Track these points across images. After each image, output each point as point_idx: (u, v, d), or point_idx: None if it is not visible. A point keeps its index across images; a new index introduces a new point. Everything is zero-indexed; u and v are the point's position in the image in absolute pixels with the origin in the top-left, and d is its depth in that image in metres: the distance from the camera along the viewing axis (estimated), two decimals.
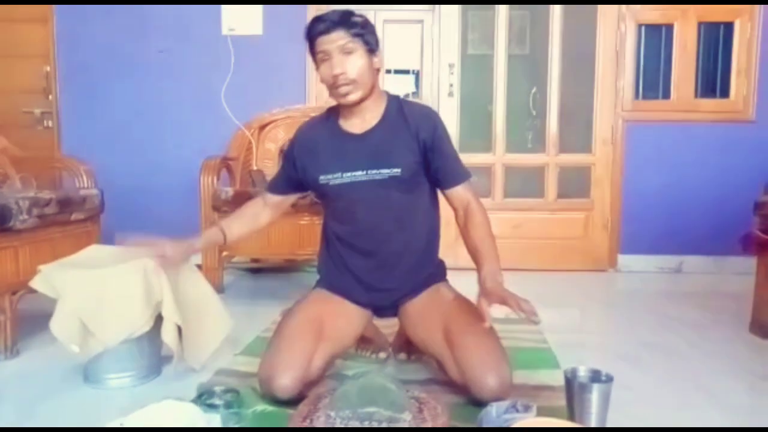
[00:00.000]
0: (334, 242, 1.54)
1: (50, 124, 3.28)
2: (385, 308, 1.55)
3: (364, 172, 1.42)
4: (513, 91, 3.26)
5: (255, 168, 2.88)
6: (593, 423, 1.15)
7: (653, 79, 3.19)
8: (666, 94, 3.17)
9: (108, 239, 2.10)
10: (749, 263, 2.05)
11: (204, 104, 3.14)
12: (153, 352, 1.57)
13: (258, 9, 3.10)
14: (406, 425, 1.11)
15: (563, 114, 3.23)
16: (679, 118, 3.13)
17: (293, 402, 1.28)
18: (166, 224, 3.05)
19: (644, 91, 3.20)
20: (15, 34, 3.29)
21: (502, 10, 3.18)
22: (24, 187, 2.13)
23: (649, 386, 1.54)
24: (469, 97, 3.26)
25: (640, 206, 3.18)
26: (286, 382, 1.30)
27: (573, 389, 1.17)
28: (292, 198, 1.64)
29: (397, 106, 1.47)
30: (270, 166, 2.89)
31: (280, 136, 2.95)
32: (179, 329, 1.51)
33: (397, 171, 1.41)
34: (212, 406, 1.23)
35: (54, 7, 3.15)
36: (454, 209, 1.47)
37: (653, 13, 3.12)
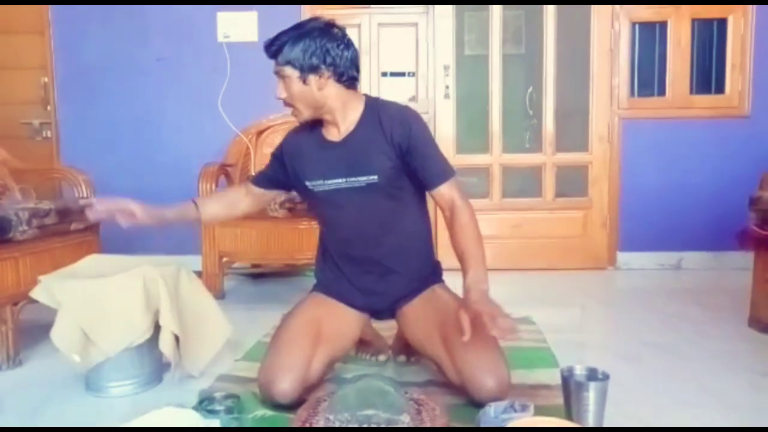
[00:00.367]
0: (327, 247, 1.56)
1: (49, 134, 3.30)
2: (382, 311, 1.56)
3: (344, 180, 1.43)
4: (509, 91, 3.27)
5: (253, 174, 2.90)
6: (590, 421, 1.16)
7: (648, 77, 3.20)
8: (661, 91, 3.18)
9: (108, 249, 2.12)
10: (749, 258, 2.05)
11: (201, 111, 3.15)
12: (154, 359, 1.58)
13: (253, 16, 3.12)
14: (404, 427, 1.12)
15: (559, 113, 3.23)
16: (675, 115, 3.14)
17: (293, 406, 1.29)
18: (166, 232, 3.08)
19: (639, 89, 3.20)
20: (12, 46, 3.31)
21: (497, 10, 3.19)
22: (24, 199, 2.15)
23: (649, 384, 1.54)
24: (465, 99, 3.27)
25: (638, 203, 3.19)
26: (285, 386, 1.31)
27: (570, 388, 1.18)
28: (272, 194, 1.66)
29: (374, 110, 1.44)
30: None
31: (277, 142, 2.89)
32: (177, 338, 1.52)
33: (374, 178, 1.41)
34: (213, 412, 1.24)
35: (50, 18, 3.16)
36: (441, 209, 1.43)
37: (647, 11, 3.13)
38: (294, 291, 2.65)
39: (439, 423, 1.17)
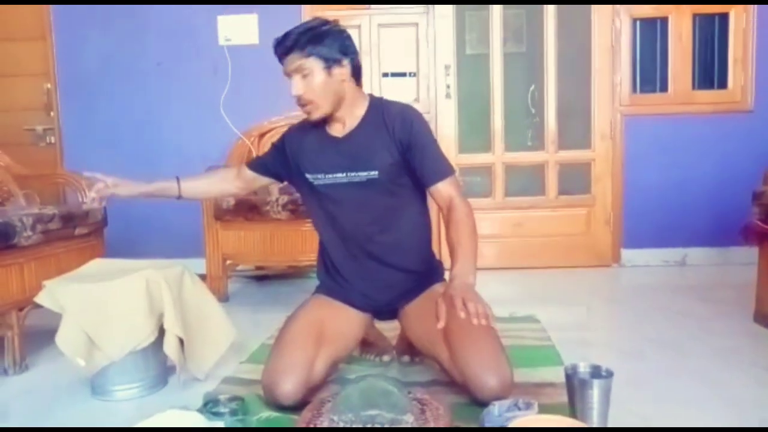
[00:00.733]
0: (326, 247, 1.56)
1: (52, 140, 3.31)
2: (384, 311, 1.56)
3: (344, 174, 1.44)
4: (511, 89, 3.27)
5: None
6: (595, 418, 1.15)
7: (650, 73, 3.19)
8: (663, 88, 3.17)
9: (112, 253, 2.12)
10: (754, 253, 2.04)
11: (203, 114, 3.16)
12: (158, 362, 1.58)
13: (253, 18, 3.13)
14: (408, 427, 1.12)
15: (561, 111, 3.23)
16: (678, 111, 3.13)
17: (297, 408, 1.29)
18: (169, 235, 3.10)
19: (641, 85, 3.19)
20: (15, 53, 3.32)
21: (497, 8, 3.19)
22: (28, 204, 2.16)
23: (653, 381, 1.54)
24: (467, 98, 3.27)
25: (641, 200, 3.17)
26: (288, 387, 1.31)
27: (574, 385, 1.18)
28: (264, 181, 1.67)
29: (378, 108, 1.47)
30: None
31: None
32: (181, 341, 1.52)
33: (374, 173, 1.42)
34: (217, 414, 1.25)
35: (52, 23, 3.18)
36: (439, 207, 1.43)
37: (647, 7, 3.11)
38: (298, 293, 2.65)
39: (443, 422, 1.16)
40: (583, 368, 1.23)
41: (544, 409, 1.18)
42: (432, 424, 1.15)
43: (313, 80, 1.38)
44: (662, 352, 1.78)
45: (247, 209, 2.47)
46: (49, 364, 1.79)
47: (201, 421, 1.16)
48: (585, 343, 1.91)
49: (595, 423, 1.15)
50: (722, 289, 2.57)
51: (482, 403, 1.25)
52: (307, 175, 1.49)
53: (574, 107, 3.25)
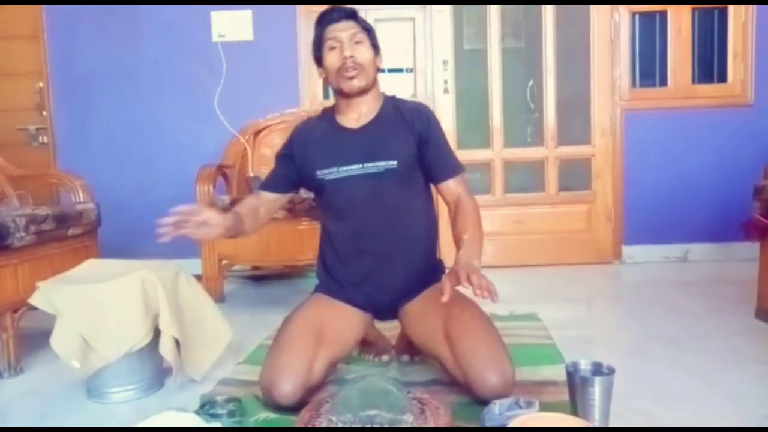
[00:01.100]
0: (331, 244, 1.53)
1: (45, 140, 3.28)
2: (385, 311, 1.54)
3: (361, 166, 1.43)
4: (509, 85, 3.25)
5: (251, 175, 2.88)
6: (596, 416, 1.14)
7: (650, 67, 3.17)
8: (663, 82, 3.15)
9: (106, 253, 2.10)
10: (755, 248, 2.02)
11: (198, 113, 3.14)
12: (154, 364, 1.56)
13: (248, 14, 3.10)
14: (407, 427, 1.10)
15: (561, 106, 3.21)
16: (678, 105, 3.11)
17: (295, 408, 1.27)
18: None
19: (641, 80, 3.17)
20: (7, 51, 3.29)
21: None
22: (21, 205, 2.14)
23: (655, 378, 1.52)
24: (465, 93, 3.24)
25: (642, 196, 3.16)
26: (287, 388, 1.29)
27: (575, 383, 1.16)
28: (285, 198, 1.63)
29: (392, 103, 1.51)
30: (266, 172, 2.87)
31: (275, 142, 2.94)
32: (177, 342, 1.50)
33: (393, 163, 1.42)
34: (215, 416, 1.23)
35: (44, 22, 3.15)
36: (446, 203, 1.47)
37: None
38: (295, 293, 2.64)
39: (443, 422, 1.15)
40: (585, 365, 1.22)
41: (545, 408, 1.17)
42: (432, 424, 1.13)
43: (365, 51, 1.43)
44: (663, 348, 1.76)
45: None
46: (45, 367, 1.77)
47: (198, 423, 1.15)
48: (586, 340, 1.89)
49: (597, 420, 1.14)
50: (723, 285, 2.56)
51: (483, 402, 1.24)
52: (318, 172, 1.46)
53: (573, 102, 3.23)
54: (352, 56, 1.40)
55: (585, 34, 3.14)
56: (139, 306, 1.46)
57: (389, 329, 1.75)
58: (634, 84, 3.16)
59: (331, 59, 1.43)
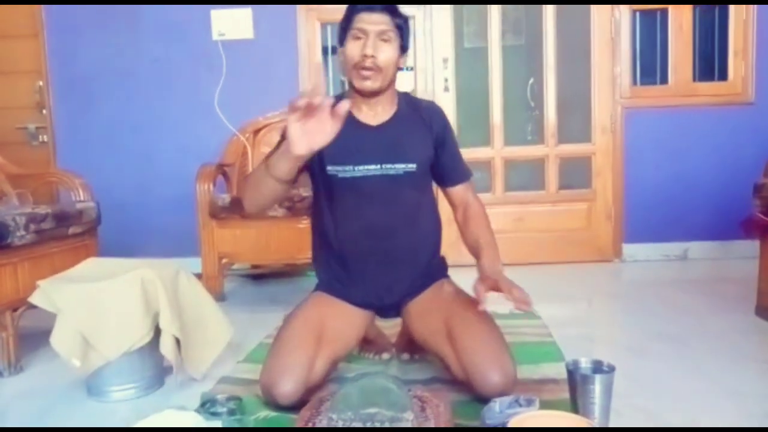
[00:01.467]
0: (333, 242, 1.46)
1: (45, 138, 3.28)
2: (388, 308, 1.53)
3: (379, 166, 1.39)
4: (510, 83, 3.25)
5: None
6: (596, 414, 1.13)
7: (650, 65, 3.17)
8: (664, 79, 3.15)
9: (106, 252, 2.10)
10: (755, 246, 2.02)
11: (198, 111, 3.13)
12: (155, 363, 1.56)
13: (248, 13, 3.10)
14: (408, 425, 1.10)
15: (561, 104, 3.20)
16: (678, 103, 3.10)
17: (296, 407, 1.27)
18: (164, 233, 3.08)
19: (642, 77, 3.17)
20: (6, 50, 3.28)
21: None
22: (21, 204, 2.14)
23: (655, 376, 1.52)
24: (465, 92, 3.24)
25: (642, 194, 3.15)
26: (287, 388, 1.29)
27: (575, 381, 1.16)
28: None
29: (407, 101, 1.49)
30: None
31: (275, 140, 2.89)
32: (177, 341, 1.50)
33: (412, 166, 1.40)
34: (215, 414, 1.23)
35: (44, 21, 3.15)
36: (454, 207, 1.48)
37: None
38: (295, 291, 2.63)
39: (443, 420, 1.15)
40: (585, 363, 1.21)
41: (545, 406, 1.17)
42: (432, 422, 1.13)
43: (389, 51, 1.35)
44: (664, 346, 1.76)
45: (242, 207, 2.43)
46: (45, 365, 1.77)
47: (198, 421, 1.15)
48: (586, 338, 1.89)
49: (597, 418, 1.14)
50: (724, 283, 2.55)
51: (484, 400, 1.24)
52: (329, 167, 1.38)
53: (573, 100, 3.22)
54: (372, 56, 1.32)
55: (585, 32, 3.14)
56: (139, 304, 1.46)
57: (389, 327, 1.75)
58: (634, 82, 3.15)
59: (352, 50, 1.34)
